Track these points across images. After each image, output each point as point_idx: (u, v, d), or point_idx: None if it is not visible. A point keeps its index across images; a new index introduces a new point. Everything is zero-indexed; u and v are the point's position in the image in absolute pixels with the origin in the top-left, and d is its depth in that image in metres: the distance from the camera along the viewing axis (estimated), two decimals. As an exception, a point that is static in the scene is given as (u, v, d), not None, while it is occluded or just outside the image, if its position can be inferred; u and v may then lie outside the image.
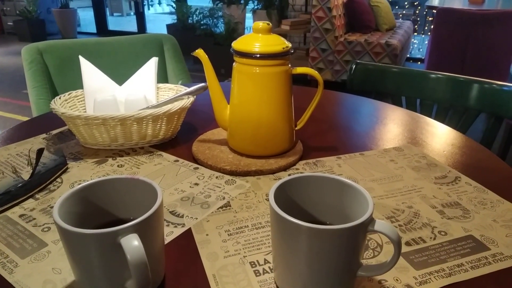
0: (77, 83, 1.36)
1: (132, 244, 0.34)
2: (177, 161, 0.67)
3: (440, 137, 0.80)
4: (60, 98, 0.73)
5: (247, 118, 0.65)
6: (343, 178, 0.42)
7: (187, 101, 0.72)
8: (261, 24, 0.63)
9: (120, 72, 1.14)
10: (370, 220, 0.36)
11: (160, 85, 0.83)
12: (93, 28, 7.28)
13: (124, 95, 0.77)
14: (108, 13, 8.84)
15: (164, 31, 5.93)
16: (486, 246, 0.47)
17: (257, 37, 0.63)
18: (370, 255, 0.46)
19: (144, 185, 0.41)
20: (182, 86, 0.81)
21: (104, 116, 0.65)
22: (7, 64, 4.88)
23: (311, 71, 0.66)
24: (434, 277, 0.43)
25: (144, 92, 0.78)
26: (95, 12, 7.10)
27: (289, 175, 0.63)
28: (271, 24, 0.63)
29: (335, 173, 0.64)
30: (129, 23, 7.83)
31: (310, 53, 3.73)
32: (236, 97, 0.66)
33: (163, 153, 0.70)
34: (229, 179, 0.61)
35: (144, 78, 0.80)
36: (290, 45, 0.64)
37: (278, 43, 0.62)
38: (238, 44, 0.63)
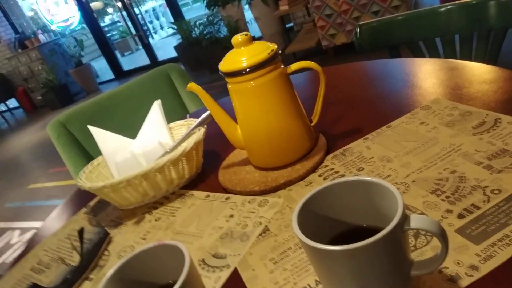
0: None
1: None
2: (208, 196, 0.67)
3: (468, 77, 0.73)
4: (84, 172, 0.75)
5: (259, 133, 0.64)
6: (365, 177, 0.39)
7: (199, 134, 0.72)
8: (239, 37, 0.61)
9: (140, 114, 1.15)
10: (404, 219, 0.33)
11: (171, 124, 0.84)
12: (110, 74, 7.54)
13: (140, 147, 0.78)
14: (118, 55, 9.12)
15: (174, 53, 6.02)
16: (549, 192, 0.42)
17: (240, 52, 0.60)
18: (423, 242, 0.43)
19: (171, 248, 0.41)
20: (191, 119, 0.81)
21: (127, 178, 0.66)
22: (48, 136, 5.18)
23: (306, 64, 0.63)
24: (498, 247, 0.39)
25: (158, 138, 0.78)
26: (106, 59, 7.36)
27: (320, 175, 0.61)
28: (249, 34, 0.61)
29: (365, 158, 0.60)
30: (141, 57, 8.00)
31: (317, 23, 3.61)
32: (241, 116, 0.64)
33: (194, 192, 0.70)
34: (261, 200, 0.60)
35: (154, 124, 0.81)
36: (275, 47, 0.61)
37: (262, 50, 0.60)
38: (225, 65, 0.61)
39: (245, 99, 0.62)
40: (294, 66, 0.63)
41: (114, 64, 7.37)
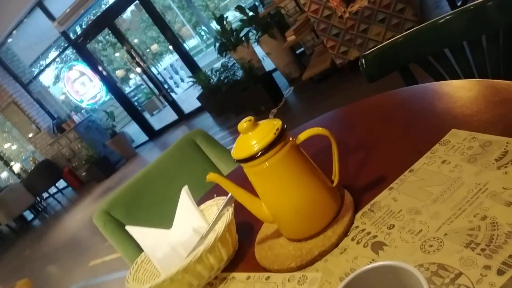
0: (148, 220, 1.45)
1: None
2: (249, 278, 0.68)
3: (482, 98, 0.71)
4: (130, 273, 0.79)
5: (284, 208, 0.65)
6: (392, 261, 0.39)
7: (228, 214, 0.74)
8: (245, 124, 0.63)
9: (176, 185, 1.17)
10: (434, 310, 0.33)
11: (201, 207, 0.86)
12: (144, 136, 7.84)
13: (177, 237, 0.80)
14: (148, 115, 9.47)
15: (198, 103, 6.22)
16: None
17: (249, 137, 0.63)
18: (467, 309, 0.41)
19: None
20: (220, 197, 0.83)
21: (169, 275, 0.68)
22: (99, 209, 5.39)
23: (314, 131, 0.64)
24: (546, 307, 0.37)
25: (191, 225, 0.81)
26: (137, 122, 7.68)
27: (352, 239, 0.60)
28: (252, 118, 0.63)
29: (394, 212, 0.60)
30: (169, 113, 8.28)
31: (326, 44, 3.64)
32: (263, 195, 0.66)
33: (235, 274, 0.71)
34: (300, 277, 0.60)
35: (185, 211, 0.84)
36: (280, 124, 0.63)
37: (268, 131, 0.62)
38: (237, 153, 0.63)
39: (263, 180, 0.64)
40: (302, 136, 0.64)
41: (145, 126, 7.67)
